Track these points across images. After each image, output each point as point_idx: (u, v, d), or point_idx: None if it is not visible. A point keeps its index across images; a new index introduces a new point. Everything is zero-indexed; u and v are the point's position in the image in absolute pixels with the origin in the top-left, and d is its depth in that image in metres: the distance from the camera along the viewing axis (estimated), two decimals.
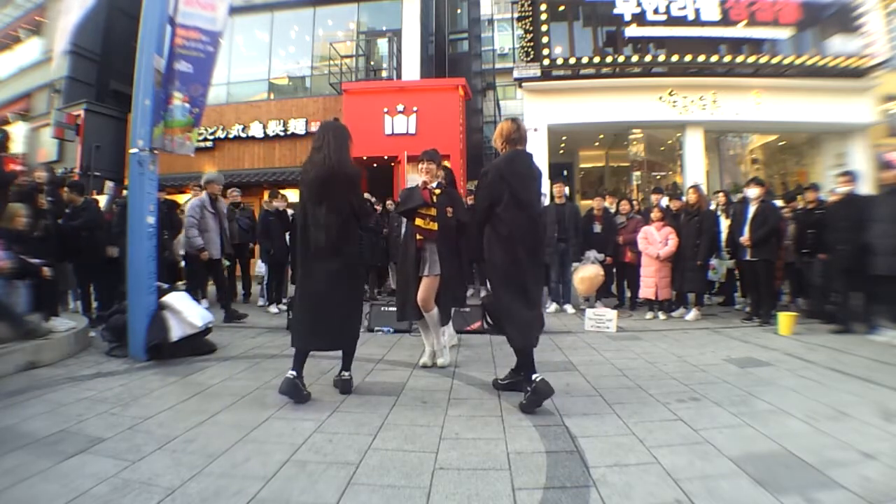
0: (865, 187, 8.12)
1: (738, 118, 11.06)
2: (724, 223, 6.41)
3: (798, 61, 10.71)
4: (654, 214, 6.17)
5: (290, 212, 7.01)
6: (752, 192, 5.75)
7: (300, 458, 2.15)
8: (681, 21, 10.80)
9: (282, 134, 12.62)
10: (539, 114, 11.09)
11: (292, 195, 9.94)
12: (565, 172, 14.08)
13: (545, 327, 3.05)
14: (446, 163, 4.25)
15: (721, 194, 7.44)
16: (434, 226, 3.65)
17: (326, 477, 1.98)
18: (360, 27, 13.37)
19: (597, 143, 14.37)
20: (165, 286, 4.35)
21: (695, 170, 11.12)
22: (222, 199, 6.35)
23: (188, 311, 4.14)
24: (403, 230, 4.11)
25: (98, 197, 7.13)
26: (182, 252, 6.14)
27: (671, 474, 1.98)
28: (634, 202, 7.65)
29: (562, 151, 14.12)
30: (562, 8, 11.18)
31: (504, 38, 20.55)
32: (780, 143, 13.42)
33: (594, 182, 15.45)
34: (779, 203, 6.55)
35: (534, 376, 2.72)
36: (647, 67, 11.10)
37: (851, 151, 11.36)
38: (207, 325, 4.25)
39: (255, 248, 7.58)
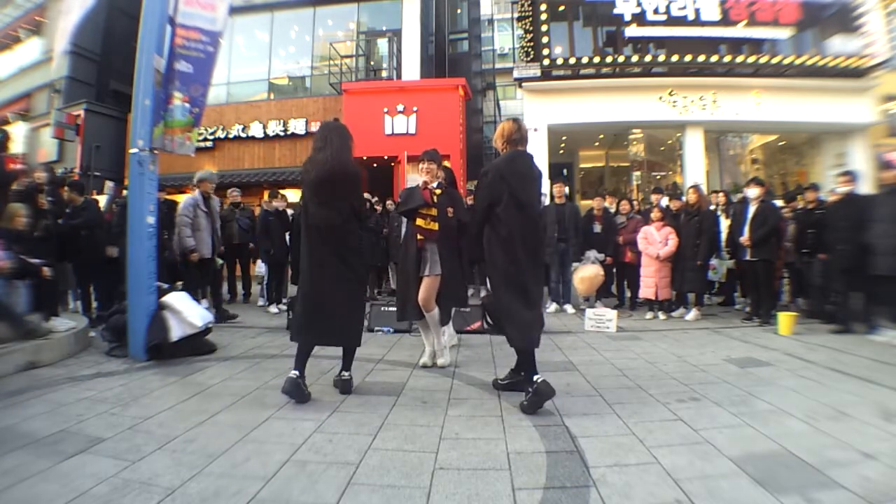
0: (865, 187, 8.12)
1: (738, 118, 11.06)
2: (724, 223, 6.41)
3: (798, 61, 10.71)
4: (654, 214, 6.17)
5: (290, 212, 7.02)
6: (752, 192, 5.75)
7: (300, 458, 2.15)
8: (681, 21, 10.81)
9: (282, 134, 12.62)
10: (539, 114, 11.10)
11: (292, 195, 9.98)
12: (565, 172, 14.09)
13: (545, 327, 3.05)
14: (446, 163, 4.25)
15: (721, 194, 7.43)
16: (435, 226, 3.66)
17: (326, 477, 1.98)
18: (360, 27, 13.37)
19: (597, 143, 14.37)
20: (165, 286, 4.35)
21: (695, 170, 11.13)
22: (215, 197, 6.33)
23: (188, 311, 4.14)
24: (404, 230, 4.11)
25: (98, 197, 7.13)
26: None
27: (671, 474, 1.98)
28: (634, 202, 7.65)
29: (562, 151, 14.12)
30: (562, 8, 11.19)
31: (504, 38, 20.55)
32: (780, 143, 13.43)
33: (594, 182, 15.45)
34: (779, 203, 6.55)
35: (535, 377, 2.72)
36: (647, 67, 11.11)
37: (851, 151, 11.37)
38: (207, 325, 4.25)
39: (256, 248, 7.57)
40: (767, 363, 3.82)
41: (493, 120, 17.76)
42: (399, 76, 12.52)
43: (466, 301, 4.10)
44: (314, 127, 12.10)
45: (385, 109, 11.29)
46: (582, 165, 15.59)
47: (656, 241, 6.02)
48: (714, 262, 6.28)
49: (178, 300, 4.22)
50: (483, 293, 6.09)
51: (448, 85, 11.68)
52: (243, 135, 12.85)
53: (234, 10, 10.85)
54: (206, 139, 12.67)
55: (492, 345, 4.48)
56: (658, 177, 13.21)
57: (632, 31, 10.91)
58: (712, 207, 6.68)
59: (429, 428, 2.52)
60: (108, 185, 7.87)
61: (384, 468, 2.06)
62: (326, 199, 2.95)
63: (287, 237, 6.76)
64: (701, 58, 10.79)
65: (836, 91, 10.85)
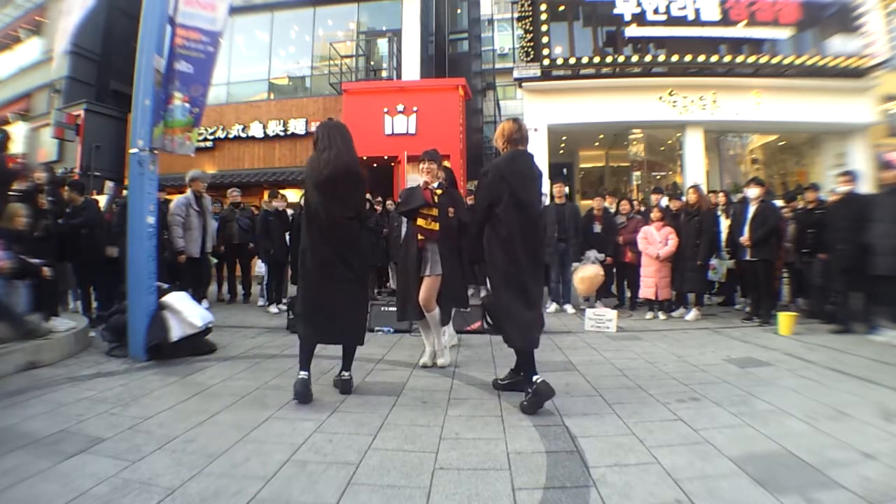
0: (865, 187, 8.12)
1: (738, 118, 11.06)
2: (724, 223, 6.41)
3: (798, 61, 10.72)
4: (654, 214, 6.17)
5: (289, 212, 7.02)
6: (752, 192, 5.75)
7: (300, 458, 2.15)
8: (681, 21, 10.81)
9: (282, 134, 12.62)
10: (539, 114, 11.10)
11: (292, 195, 9.97)
12: (565, 171, 14.10)
13: (545, 327, 3.05)
14: (446, 163, 4.25)
15: (721, 194, 7.44)
16: (436, 226, 3.66)
17: (326, 477, 1.98)
18: (360, 27, 13.37)
19: (597, 143, 14.37)
20: (165, 286, 4.35)
21: (695, 170, 11.13)
22: (207, 196, 6.36)
23: (188, 311, 4.14)
24: (404, 230, 4.11)
25: (98, 197, 7.13)
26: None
27: (671, 474, 1.98)
28: (634, 202, 7.64)
29: (562, 151, 14.12)
30: (562, 8, 11.19)
31: (504, 38, 20.55)
32: (780, 143, 13.43)
33: (594, 182, 15.45)
34: (779, 203, 6.55)
35: (535, 378, 2.72)
36: (647, 67, 11.11)
37: (851, 151, 11.37)
38: (207, 325, 4.25)
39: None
40: (767, 363, 3.82)
41: (493, 120, 17.75)
42: (399, 76, 12.52)
43: (467, 301, 4.10)
44: (314, 127, 12.07)
45: (385, 109, 11.29)
46: (582, 165, 15.59)
47: (656, 241, 6.02)
48: (714, 262, 6.28)
49: (178, 300, 4.22)
50: (483, 293, 6.09)
51: (448, 85, 11.67)
52: (243, 135, 12.85)
53: (234, 10, 10.84)
54: (206, 139, 12.67)
55: (492, 345, 4.48)
56: (658, 177, 13.21)
57: (632, 31, 10.91)
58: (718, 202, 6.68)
59: (429, 428, 2.52)
60: (108, 185, 7.87)
61: (384, 468, 2.06)
62: (332, 199, 2.95)
63: (287, 237, 6.76)
64: (701, 58, 10.79)
65: (836, 91, 10.85)
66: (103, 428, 2.46)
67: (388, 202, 7.99)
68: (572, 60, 10.96)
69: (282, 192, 8.14)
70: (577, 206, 8.30)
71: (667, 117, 11.14)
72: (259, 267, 7.27)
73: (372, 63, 13.57)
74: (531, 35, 11.11)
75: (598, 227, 6.84)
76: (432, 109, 11.18)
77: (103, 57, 14.89)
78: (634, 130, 12.72)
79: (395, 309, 4.13)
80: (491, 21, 20.36)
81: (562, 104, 11.16)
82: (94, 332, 4.61)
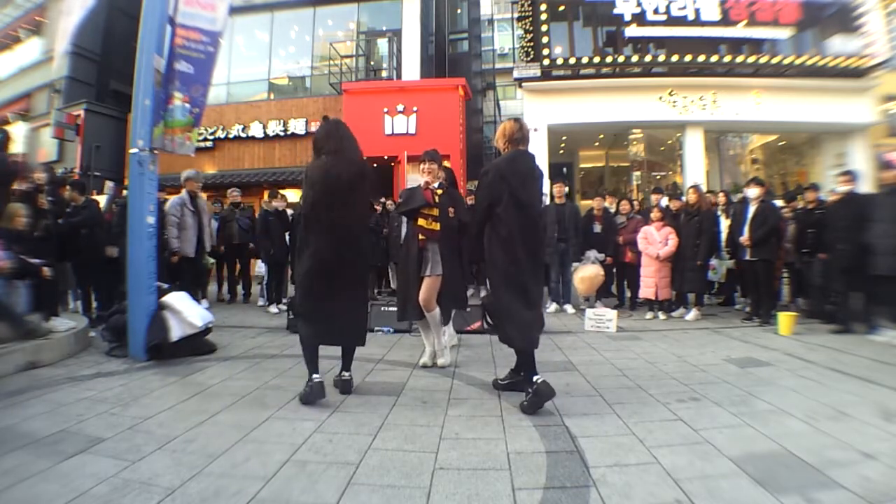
0: (865, 187, 8.12)
1: (738, 118, 11.07)
2: (724, 223, 6.41)
3: (798, 61, 10.72)
4: (654, 214, 6.17)
5: (289, 212, 7.02)
6: (752, 192, 5.75)
7: (300, 458, 2.15)
8: (681, 21, 10.81)
9: (282, 134, 12.62)
10: (539, 114, 11.10)
11: (292, 195, 9.97)
12: (565, 170, 14.10)
13: (545, 327, 3.05)
14: (446, 163, 4.26)
15: (721, 194, 7.44)
16: (436, 226, 3.66)
17: (326, 477, 1.98)
18: (360, 27, 13.37)
19: (597, 143, 14.37)
20: (165, 286, 4.35)
21: (695, 170, 11.13)
22: (202, 196, 6.38)
23: (188, 311, 4.14)
24: (404, 230, 4.11)
25: (98, 197, 7.13)
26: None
27: (671, 474, 1.98)
28: (634, 202, 7.65)
29: (562, 151, 14.12)
30: (562, 8, 11.19)
31: (504, 38, 20.55)
32: (780, 143, 13.43)
33: (594, 182, 15.45)
34: (779, 203, 6.55)
35: (535, 378, 2.72)
36: (647, 67, 11.11)
37: (851, 151, 11.37)
38: (207, 325, 4.25)
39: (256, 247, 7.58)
40: (767, 363, 3.82)
41: (493, 120, 17.75)
42: (399, 76, 12.52)
43: (466, 302, 4.11)
44: (314, 127, 12.09)
45: (385, 109, 11.28)
46: (582, 165, 15.59)
47: (656, 241, 6.02)
48: (714, 262, 6.28)
49: (178, 300, 4.22)
50: (483, 293, 6.08)
51: (448, 85, 11.67)
52: (243, 135, 12.85)
53: (234, 10, 10.84)
54: (206, 139, 12.66)
55: (492, 345, 4.48)
56: (658, 177, 13.21)
57: (632, 31, 10.91)
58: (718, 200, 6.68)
59: (429, 428, 2.52)
60: (108, 185, 7.88)
61: (384, 468, 2.06)
62: (343, 200, 2.94)
63: (287, 237, 6.76)
64: (701, 58, 10.79)
65: (836, 91, 10.85)
66: (103, 428, 2.46)
67: (388, 202, 7.99)
68: (572, 60, 10.96)
69: (282, 192, 8.14)
70: (577, 206, 8.30)
71: (667, 117, 11.14)
72: (259, 267, 7.27)
73: (372, 63, 13.57)
74: (531, 35, 11.11)
75: (598, 227, 6.84)
76: (432, 109, 11.18)
77: (103, 57, 14.88)
78: (634, 130, 12.72)
79: (395, 309, 4.13)
80: (491, 21, 20.36)
81: (562, 104, 11.16)
82: (94, 332, 4.61)
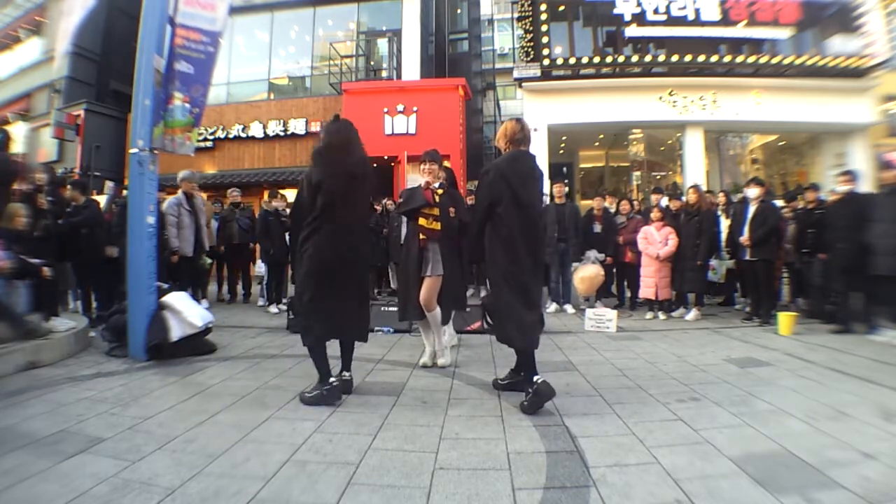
0: (865, 187, 8.12)
1: (738, 118, 11.06)
2: (724, 223, 6.41)
3: (798, 61, 10.71)
4: (654, 214, 6.17)
5: (289, 211, 7.01)
6: (752, 192, 5.75)
7: (300, 458, 2.15)
8: (681, 21, 10.81)
9: (282, 134, 12.61)
10: (539, 114, 11.09)
11: (292, 195, 9.95)
12: (565, 169, 14.10)
13: (545, 327, 3.05)
14: (447, 163, 4.26)
15: (721, 194, 7.44)
16: (437, 225, 3.66)
17: (326, 477, 1.98)
18: (360, 27, 13.36)
19: (597, 143, 14.37)
20: (165, 286, 4.35)
21: (695, 170, 11.13)
22: (198, 196, 6.40)
23: (188, 311, 4.14)
24: (404, 230, 4.11)
25: (98, 197, 7.13)
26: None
27: (671, 474, 1.98)
28: (634, 202, 7.65)
29: (562, 151, 14.12)
30: (562, 8, 11.19)
31: (504, 38, 20.54)
32: (780, 143, 13.42)
33: (594, 182, 15.45)
34: (779, 203, 6.55)
35: (535, 378, 2.72)
36: (647, 67, 11.11)
37: (851, 151, 11.37)
38: (207, 325, 4.25)
39: (256, 247, 7.59)
40: (767, 363, 3.82)
41: (493, 120, 17.74)
42: (399, 76, 12.51)
43: (466, 302, 4.11)
44: (314, 127, 12.10)
45: (385, 109, 11.28)
46: (582, 165, 15.59)
47: (656, 241, 6.02)
48: (713, 262, 6.28)
49: (178, 300, 4.23)
50: (483, 293, 6.08)
51: (448, 85, 11.67)
52: (243, 135, 12.84)
53: (234, 10, 10.84)
54: (206, 139, 12.65)
55: (492, 345, 4.48)
56: (658, 177, 13.20)
57: (632, 31, 10.91)
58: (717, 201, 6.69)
59: (429, 428, 2.52)
60: (108, 185, 7.87)
61: (384, 468, 2.06)
62: (350, 200, 2.98)
63: (287, 237, 6.76)
64: (701, 58, 10.79)
65: (836, 91, 10.84)
66: (103, 428, 2.46)
67: (388, 202, 7.99)
68: (572, 60, 10.96)
69: (282, 192, 8.14)
70: (577, 206, 8.30)
71: (667, 117, 11.13)
72: (259, 267, 7.27)
73: (372, 63, 13.57)
74: (531, 35, 11.11)
75: (598, 227, 6.84)
76: (432, 109, 11.18)
77: (103, 57, 14.88)
78: (634, 130, 12.72)
79: (395, 309, 4.13)
80: (491, 21, 20.35)
81: (562, 104, 11.15)
82: (94, 332, 4.61)
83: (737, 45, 10.97)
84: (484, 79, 17.49)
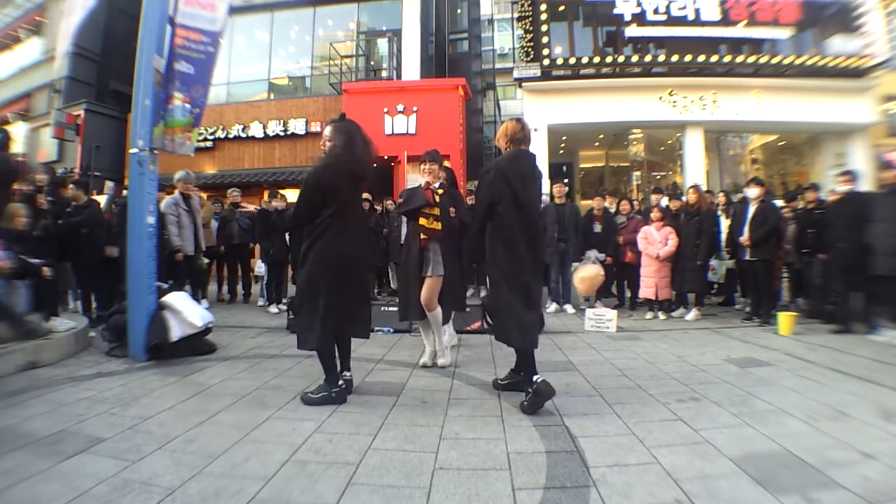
0: (865, 187, 8.12)
1: (738, 118, 11.06)
2: (725, 223, 6.41)
3: (798, 61, 10.71)
4: (654, 214, 6.17)
5: (293, 211, 7.00)
6: (752, 192, 5.75)
7: (300, 458, 2.15)
8: (681, 21, 10.81)
9: (282, 134, 12.61)
10: (539, 114, 11.09)
11: (292, 195, 9.95)
12: (565, 169, 14.10)
13: (545, 327, 3.05)
14: (447, 163, 4.26)
15: (721, 194, 7.44)
16: (438, 225, 3.66)
17: (326, 477, 1.98)
18: (360, 27, 13.36)
19: (597, 143, 14.37)
20: (165, 286, 4.35)
21: (695, 170, 11.13)
22: (195, 196, 6.42)
23: (188, 311, 4.14)
24: (404, 230, 4.11)
25: (98, 197, 7.13)
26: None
27: (671, 474, 1.98)
28: (634, 202, 7.65)
29: (562, 151, 14.12)
30: (562, 8, 11.19)
31: (504, 38, 20.54)
32: (780, 143, 13.43)
33: (594, 182, 15.45)
34: (779, 203, 6.55)
35: (535, 377, 2.72)
36: (647, 67, 11.11)
37: (851, 151, 11.37)
38: (207, 325, 4.25)
39: (255, 247, 7.60)
40: (767, 363, 3.82)
41: (493, 120, 17.74)
42: (399, 76, 12.51)
43: (465, 303, 4.11)
44: (314, 127, 12.10)
45: (385, 109, 11.28)
46: (582, 165, 15.59)
47: (656, 241, 6.02)
48: (713, 262, 6.28)
49: (178, 300, 4.22)
50: (483, 293, 6.08)
51: (448, 85, 11.67)
52: (243, 135, 12.84)
53: (234, 10, 10.84)
54: (206, 139, 12.65)
55: (492, 345, 4.48)
56: (658, 177, 13.21)
57: (632, 31, 10.91)
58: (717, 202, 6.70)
59: (429, 428, 2.52)
60: (108, 185, 7.87)
61: (384, 468, 2.06)
62: (356, 200, 3.08)
63: (287, 237, 6.76)
64: (701, 58, 10.79)
65: (836, 91, 10.85)
66: (103, 428, 2.46)
67: (388, 202, 7.99)
68: (572, 60, 10.96)
69: (282, 192, 8.14)
70: (577, 206, 8.30)
71: (667, 117, 11.14)
72: (259, 267, 7.27)
73: (372, 63, 13.57)
74: (531, 35, 11.11)
75: (598, 227, 6.83)
76: (432, 109, 11.18)
77: (103, 57, 14.88)
78: (634, 130, 12.72)
79: (395, 309, 4.13)
80: (491, 21, 20.35)
81: (562, 104, 11.16)
82: (94, 332, 4.61)
83: (737, 45, 10.98)
84: (484, 79, 17.49)
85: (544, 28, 10.96)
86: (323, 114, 12.22)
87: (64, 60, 13.40)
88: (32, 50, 15.96)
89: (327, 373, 2.91)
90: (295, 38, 14.09)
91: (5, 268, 3.84)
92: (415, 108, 11.22)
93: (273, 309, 6.63)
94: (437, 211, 3.68)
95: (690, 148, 11.40)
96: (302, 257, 2.96)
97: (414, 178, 7.97)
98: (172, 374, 3.54)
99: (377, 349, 4.35)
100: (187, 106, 4.43)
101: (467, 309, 4.31)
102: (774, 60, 10.72)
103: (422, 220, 3.67)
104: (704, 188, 7.46)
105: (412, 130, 11.19)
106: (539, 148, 10.33)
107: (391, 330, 5.16)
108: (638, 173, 13.13)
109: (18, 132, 14.54)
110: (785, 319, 5.02)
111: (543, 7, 10.99)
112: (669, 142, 12.77)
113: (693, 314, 5.98)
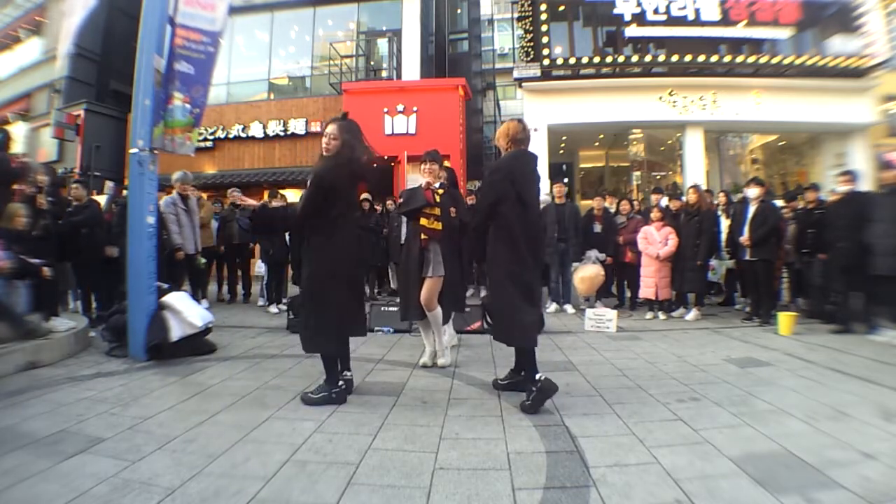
0: (865, 187, 8.12)
1: (738, 118, 11.06)
2: (724, 223, 6.41)
3: (798, 61, 10.71)
4: (654, 214, 6.17)
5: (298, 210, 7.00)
6: (752, 192, 5.74)
7: (300, 458, 2.15)
8: (681, 21, 10.81)
9: (282, 134, 12.61)
10: (539, 114, 11.09)
11: (292, 195, 9.96)
12: (565, 168, 14.09)
13: (545, 327, 3.05)
14: (447, 163, 4.26)
15: (721, 194, 7.44)
16: (438, 225, 3.66)
17: (326, 477, 1.98)
18: (360, 27, 13.36)
19: (597, 143, 14.37)
20: (165, 286, 4.35)
21: (695, 170, 11.13)
22: (193, 196, 6.44)
23: (188, 311, 4.14)
24: (404, 230, 4.11)
25: (98, 197, 7.13)
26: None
27: (671, 474, 1.98)
28: (634, 202, 7.65)
29: (562, 151, 14.12)
30: (562, 8, 11.19)
31: (504, 38, 20.54)
32: (780, 143, 13.43)
33: (594, 182, 15.45)
34: (779, 203, 6.55)
35: (537, 375, 2.73)
36: (647, 67, 11.11)
37: (851, 151, 11.37)
38: (207, 325, 4.25)
39: (255, 247, 7.60)
40: (767, 363, 3.82)
41: (493, 120, 17.74)
42: (399, 76, 12.51)
43: (465, 303, 4.11)
44: (314, 127, 12.10)
45: (385, 109, 11.28)
46: (582, 165, 15.59)
47: (656, 241, 6.02)
48: (713, 262, 6.28)
49: (178, 300, 4.23)
50: (483, 293, 6.08)
51: (448, 85, 11.67)
52: (243, 135, 12.84)
53: (234, 10, 10.84)
54: (206, 139, 12.65)
55: (492, 345, 4.47)
56: (658, 177, 13.21)
57: (632, 31, 10.91)
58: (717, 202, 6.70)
59: (429, 428, 2.52)
60: (108, 185, 7.87)
61: (384, 468, 2.06)
62: (355, 199, 3.17)
63: (287, 237, 6.75)
64: (701, 58, 10.79)
65: (836, 91, 10.84)
66: (103, 428, 2.46)
67: (389, 202, 7.99)
68: (572, 60, 10.96)
69: (282, 192, 8.13)
70: (577, 206, 8.30)
71: (667, 117, 11.14)
72: (259, 267, 7.27)
73: (372, 63, 13.57)
74: (531, 35, 11.11)
75: (598, 227, 6.83)
76: (432, 109, 11.18)
77: (103, 57, 14.88)
78: (634, 130, 12.72)
79: (395, 309, 4.13)
80: (491, 21, 20.34)
81: (562, 104, 11.15)
82: (94, 332, 4.61)
83: (737, 45, 10.97)
84: (484, 79, 17.49)
85: (544, 28, 10.96)
86: (323, 114, 12.22)
87: (65, 61, 13.40)
88: (32, 50, 15.96)
89: (328, 373, 2.91)
90: (295, 38, 14.09)
91: (5, 268, 3.84)
92: (415, 108, 11.22)
93: (273, 309, 6.63)
94: (437, 211, 3.68)
95: (690, 148, 11.40)
96: (306, 257, 2.95)
97: (414, 178, 7.96)
98: (172, 374, 3.54)
99: (377, 349, 4.35)
100: (187, 106, 4.43)
101: (467, 309, 4.32)
102: (774, 60, 10.72)
103: (422, 221, 3.67)
104: (704, 188, 7.46)
105: (412, 130, 11.19)
106: (539, 148, 10.34)
107: (391, 330, 5.16)
108: (638, 173, 13.13)
109: (18, 132, 14.54)
110: (785, 319, 5.02)
111: (543, 7, 10.98)
112: (669, 142, 12.77)
113: (693, 314, 5.98)
